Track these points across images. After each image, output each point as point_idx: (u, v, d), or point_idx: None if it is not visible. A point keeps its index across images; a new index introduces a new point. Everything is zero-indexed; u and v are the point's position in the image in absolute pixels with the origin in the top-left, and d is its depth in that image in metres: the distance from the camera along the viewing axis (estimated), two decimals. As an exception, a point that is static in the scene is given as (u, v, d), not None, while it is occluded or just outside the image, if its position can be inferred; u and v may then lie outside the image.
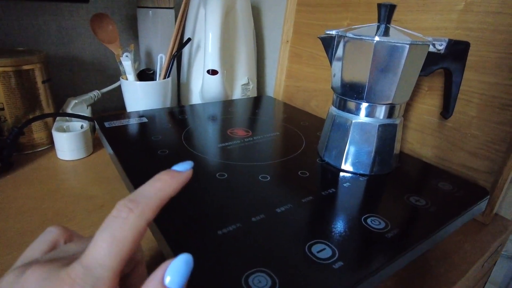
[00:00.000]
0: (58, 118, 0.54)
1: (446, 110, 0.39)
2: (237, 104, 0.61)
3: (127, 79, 0.57)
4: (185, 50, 0.68)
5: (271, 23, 0.75)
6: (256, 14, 0.76)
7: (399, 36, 0.33)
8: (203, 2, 0.62)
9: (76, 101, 0.58)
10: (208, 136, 0.46)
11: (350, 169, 0.38)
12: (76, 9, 0.65)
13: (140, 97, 0.57)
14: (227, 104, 0.60)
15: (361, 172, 0.38)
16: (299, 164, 0.39)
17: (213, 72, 0.60)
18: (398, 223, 0.29)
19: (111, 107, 0.74)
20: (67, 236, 0.21)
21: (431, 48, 0.36)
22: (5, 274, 0.18)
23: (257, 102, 0.64)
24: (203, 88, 0.62)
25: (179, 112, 0.54)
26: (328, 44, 0.37)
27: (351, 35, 0.34)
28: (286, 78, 0.70)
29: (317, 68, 0.62)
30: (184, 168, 0.21)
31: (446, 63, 0.36)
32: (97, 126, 0.47)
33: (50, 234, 0.21)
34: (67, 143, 0.50)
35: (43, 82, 0.52)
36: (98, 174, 0.47)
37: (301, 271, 0.24)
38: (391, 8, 0.34)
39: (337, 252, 0.25)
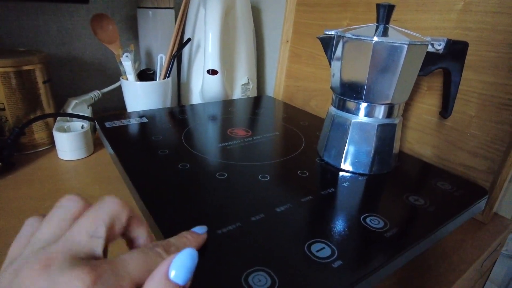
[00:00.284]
0: (58, 118, 0.54)
1: (445, 109, 0.39)
2: (237, 104, 0.61)
3: (127, 79, 0.57)
4: (185, 50, 0.68)
5: (271, 23, 0.75)
6: (256, 14, 0.76)
7: (397, 36, 0.33)
8: (203, 2, 0.62)
9: (77, 101, 0.58)
10: (208, 136, 0.46)
11: (350, 168, 0.38)
12: (76, 10, 0.65)
13: (140, 97, 0.58)
14: (227, 104, 0.61)
15: (361, 171, 0.38)
16: (299, 163, 0.40)
17: (213, 72, 0.60)
18: (397, 222, 0.30)
19: (111, 107, 0.74)
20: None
21: (430, 48, 0.36)
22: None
23: (257, 102, 0.64)
24: (203, 88, 0.63)
25: (179, 112, 0.55)
26: (327, 44, 0.38)
27: (350, 36, 0.34)
28: (286, 78, 0.70)
29: (317, 68, 0.62)
30: (202, 231, 0.25)
31: (445, 63, 0.37)
32: (97, 126, 0.47)
33: (31, 227, 0.21)
34: (68, 143, 0.50)
35: (44, 82, 0.52)
36: (98, 174, 0.47)
37: (301, 270, 0.24)
38: (390, 8, 0.35)
39: (336, 251, 0.26)
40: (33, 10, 0.61)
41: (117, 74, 0.74)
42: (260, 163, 0.39)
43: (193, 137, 0.45)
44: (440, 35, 0.43)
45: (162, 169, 0.36)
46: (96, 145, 0.54)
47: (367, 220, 0.29)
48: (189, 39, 0.62)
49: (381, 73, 0.34)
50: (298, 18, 0.64)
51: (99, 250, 0.18)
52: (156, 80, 0.60)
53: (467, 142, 0.43)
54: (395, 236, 0.28)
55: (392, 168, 0.39)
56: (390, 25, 0.35)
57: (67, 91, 0.68)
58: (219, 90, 0.62)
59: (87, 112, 0.59)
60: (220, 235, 0.26)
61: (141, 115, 0.52)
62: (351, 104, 0.37)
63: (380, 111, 0.36)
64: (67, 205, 0.21)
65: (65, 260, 0.17)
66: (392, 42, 0.32)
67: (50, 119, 0.54)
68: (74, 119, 0.54)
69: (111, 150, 0.41)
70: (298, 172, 0.37)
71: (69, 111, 0.57)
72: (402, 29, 0.35)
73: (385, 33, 0.34)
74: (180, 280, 0.17)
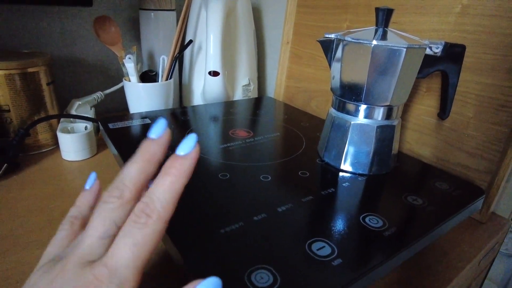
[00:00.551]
0: (62, 119, 0.55)
1: (443, 111, 0.40)
2: (238, 105, 0.62)
3: (130, 81, 0.58)
4: (187, 51, 0.69)
5: (271, 23, 0.76)
6: (257, 15, 0.77)
7: (396, 39, 0.34)
8: (204, 4, 0.63)
9: (80, 102, 0.59)
10: (210, 137, 0.47)
11: (349, 169, 0.39)
12: (79, 12, 0.66)
13: (143, 99, 0.58)
14: (229, 105, 0.61)
15: (360, 172, 0.39)
16: (300, 164, 0.40)
17: (214, 74, 0.61)
18: (396, 221, 0.30)
19: (114, 108, 0.75)
20: (83, 223, 0.23)
21: (428, 51, 0.37)
22: (31, 274, 0.19)
23: (258, 103, 0.65)
24: (204, 89, 0.63)
25: (181, 113, 0.55)
26: (327, 47, 0.38)
27: (349, 39, 0.35)
28: (286, 79, 0.70)
29: (317, 69, 0.63)
30: (188, 149, 0.20)
31: (443, 66, 0.37)
32: (101, 128, 0.48)
33: (65, 230, 0.22)
34: (72, 144, 0.51)
35: (48, 84, 0.53)
36: (102, 175, 0.47)
37: (302, 268, 0.25)
38: (389, 12, 0.35)
39: (336, 250, 0.26)
40: (37, 12, 0.62)
41: (119, 75, 0.74)
42: (261, 164, 0.40)
43: (195, 138, 0.46)
44: (439, 37, 0.44)
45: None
46: (99, 146, 0.55)
47: (366, 219, 0.30)
48: (190, 41, 0.63)
49: (380, 75, 0.35)
50: (299, 20, 0.65)
51: (104, 251, 0.19)
52: (158, 81, 0.61)
53: (465, 142, 0.43)
54: (393, 235, 0.29)
55: (391, 168, 0.40)
56: (389, 28, 0.36)
57: (70, 92, 0.69)
58: (220, 91, 0.63)
59: (90, 113, 0.60)
60: (223, 234, 0.27)
61: (143, 116, 0.53)
62: (350, 106, 0.38)
63: (379, 113, 0.37)
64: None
65: (75, 267, 0.18)
66: (391, 46, 0.33)
67: (54, 120, 0.55)
68: (77, 120, 0.55)
69: (115, 151, 0.42)
70: (299, 173, 0.38)
71: (73, 112, 0.58)
72: (400, 33, 0.36)
73: (384, 37, 0.34)
74: None
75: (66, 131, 0.52)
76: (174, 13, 0.67)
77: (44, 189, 0.43)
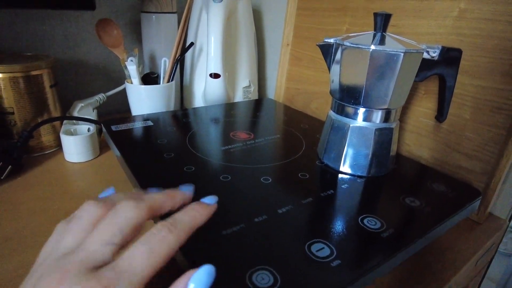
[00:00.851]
0: (65, 121, 0.55)
1: (440, 114, 0.41)
2: (239, 106, 0.63)
3: (131, 83, 0.59)
4: (188, 53, 0.69)
5: (272, 25, 0.76)
6: (257, 16, 0.78)
7: (394, 44, 0.34)
8: (205, 7, 0.64)
9: (82, 104, 0.60)
10: (211, 139, 0.48)
11: (348, 171, 0.40)
12: (82, 15, 0.67)
13: (144, 101, 0.59)
14: (229, 107, 0.62)
15: (359, 174, 0.39)
16: (299, 166, 0.41)
17: (215, 76, 0.61)
18: (394, 223, 0.31)
19: (116, 109, 0.76)
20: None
21: (425, 55, 0.37)
22: (31, 271, 0.19)
23: (258, 104, 0.66)
24: (205, 91, 0.64)
25: (182, 116, 0.56)
26: (327, 51, 0.39)
27: (348, 44, 0.35)
28: (286, 81, 0.71)
29: (317, 71, 0.63)
30: (212, 201, 0.26)
31: (440, 69, 0.38)
32: (104, 130, 0.49)
33: (58, 235, 0.22)
34: (75, 146, 0.51)
35: (51, 86, 0.54)
36: (104, 177, 0.48)
37: (301, 269, 0.25)
38: (387, 17, 0.36)
39: (335, 251, 0.27)
40: (40, 15, 0.63)
41: (121, 77, 0.75)
42: (262, 166, 0.40)
43: (197, 140, 0.47)
44: (436, 41, 0.45)
45: (169, 172, 0.38)
46: (102, 148, 0.56)
47: (365, 221, 0.31)
48: (192, 43, 0.63)
49: (378, 79, 0.35)
50: (299, 22, 0.66)
51: (110, 256, 0.19)
52: (160, 83, 0.62)
53: (462, 144, 0.44)
54: (391, 237, 0.29)
55: (389, 170, 0.41)
56: (387, 33, 0.37)
57: (73, 94, 0.70)
58: (221, 93, 0.64)
59: (93, 115, 0.61)
60: (225, 235, 0.28)
61: (146, 118, 0.53)
62: (349, 109, 0.39)
63: (377, 116, 0.38)
64: (87, 212, 0.22)
65: (79, 272, 0.18)
66: (389, 50, 0.34)
67: (57, 122, 0.56)
68: (80, 122, 0.56)
69: (118, 153, 0.43)
70: (299, 175, 0.39)
71: (75, 114, 0.58)
72: (398, 37, 0.36)
73: (382, 41, 0.35)
74: None
75: (69, 133, 0.53)
76: (175, 16, 0.68)
77: (48, 191, 0.44)
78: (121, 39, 0.61)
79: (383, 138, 0.38)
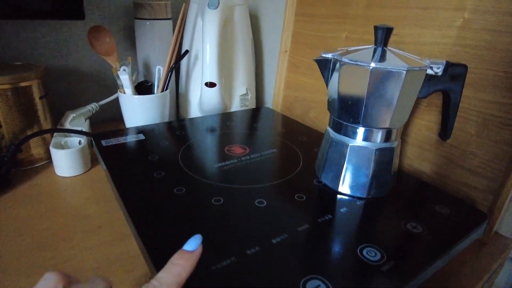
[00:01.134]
0: (56, 133, 0.54)
1: (444, 132, 0.39)
2: (235, 117, 0.61)
3: (124, 93, 0.57)
4: (183, 61, 0.67)
5: (269, 31, 0.74)
6: (255, 22, 0.76)
7: (395, 61, 0.32)
8: (200, 13, 0.62)
9: (74, 114, 0.58)
10: (205, 155, 0.46)
11: (347, 192, 0.38)
12: (74, 22, 0.65)
13: (138, 111, 0.57)
14: (225, 118, 0.60)
15: (358, 195, 0.37)
16: (296, 186, 0.39)
17: (211, 85, 0.59)
18: (394, 253, 0.29)
19: (109, 118, 0.74)
20: (66, 283, 0.21)
21: (429, 71, 0.35)
22: None
23: (255, 114, 0.64)
24: (201, 100, 0.62)
25: (177, 128, 0.54)
26: (324, 66, 0.37)
27: (347, 60, 0.33)
28: (285, 88, 0.69)
29: (315, 78, 0.62)
30: (194, 247, 0.23)
31: (444, 85, 0.36)
32: (94, 145, 0.47)
33: (49, 282, 0.21)
34: (65, 159, 0.50)
35: (41, 97, 0.52)
36: (95, 192, 0.47)
37: (295, 310, 0.24)
38: (388, 31, 0.34)
39: (331, 288, 0.25)
40: (31, 23, 0.61)
41: (114, 84, 0.73)
42: (257, 186, 0.38)
43: (190, 156, 0.45)
44: (440, 51, 0.43)
45: (157, 193, 0.36)
46: (93, 160, 0.54)
47: (364, 252, 0.29)
48: (187, 51, 0.61)
49: (379, 98, 0.33)
50: (297, 29, 0.64)
51: None
52: (154, 92, 0.60)
53: (466, 160, 0.42)
54: (391, 270, 0.28)
55: (390, 189, 0.39)
56: (389, 47, 0.35)
57: (64, 103, 0.68)
58: (217, 102, 0.62)
59: (85, 126, 0.59)
60: (214, 271, 0.26)
61: (138, 131, 0.52)
62: (348, 128, 0.37)
63: (378, 136, 0.36)
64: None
65: None
66: (390, 68, 0.32)
67: (47, 134, 0.54)
68: (71, 134, 0.54)
69: (107, 172, 0.41)
70: (295, 196, 0.37)
71: (67, 124, 0.57)
72: (400, 52, 0.35)
73: (383, 58, 0.33)
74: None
75: (60, 146, 0.51)
76: (170, 22, 0.66)
77: (37, 208, 0.43)
78: (114, 47, 0.59)
79: (383, 158, 0.36)
